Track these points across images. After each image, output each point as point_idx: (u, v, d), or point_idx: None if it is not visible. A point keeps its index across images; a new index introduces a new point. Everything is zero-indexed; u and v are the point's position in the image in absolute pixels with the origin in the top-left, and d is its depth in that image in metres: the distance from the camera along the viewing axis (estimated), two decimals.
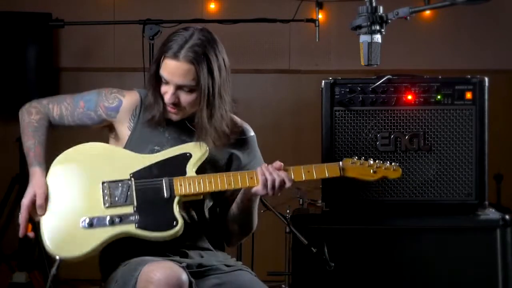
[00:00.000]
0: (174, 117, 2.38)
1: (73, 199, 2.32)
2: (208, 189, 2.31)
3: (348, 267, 2.88)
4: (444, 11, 4.66)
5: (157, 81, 2.35)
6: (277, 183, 2.29)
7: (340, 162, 2.35)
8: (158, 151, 2.37)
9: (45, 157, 2.38)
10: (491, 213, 2.95)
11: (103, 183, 2.32)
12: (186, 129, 2.42)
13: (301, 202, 3.41)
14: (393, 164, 2.37)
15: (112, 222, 2.27)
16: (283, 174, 2.30)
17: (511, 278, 2.88)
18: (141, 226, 2.27)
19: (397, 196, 2.93)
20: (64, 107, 2.45)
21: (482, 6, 2.26)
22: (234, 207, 2.47)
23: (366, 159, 2.36)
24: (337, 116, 2.96)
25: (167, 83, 2.33)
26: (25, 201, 2.29)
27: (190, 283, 2.17)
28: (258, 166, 2.46)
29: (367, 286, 2.91)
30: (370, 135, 2.95)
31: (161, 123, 2.39)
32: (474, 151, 2.93)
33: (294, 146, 4.92)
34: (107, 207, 2.29)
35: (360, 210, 2.93)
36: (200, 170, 2.38)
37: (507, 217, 2.90)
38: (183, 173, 2.32)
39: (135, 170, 2.33)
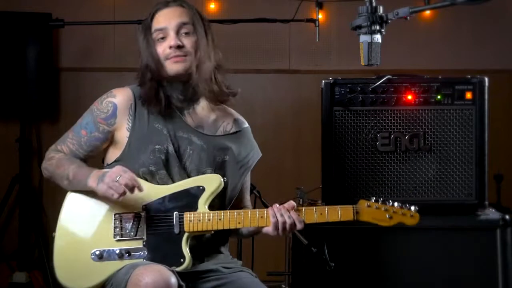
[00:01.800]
0: (181, 66, 2.37)
1: (85, 230, 2.33)
2: (217, 227, 2.31)
3: (348, 267, 2.88)
4: (444, 11, 4.66)
5: (153, 44, 2.39)
6: (288, 226, 2.29)
7: (355, 206, 2.32)
8: (159, 150, 2.36)
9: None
10: (491, 213, 2.95)
11: (115, 214, 2.33)
12: (183, 125, 2.41)
13: (301, 202, 3.40)
14: (411, 209, 2.31)
15: (121, 256, 2.29)
16: (294, 216, 2.29)
17: (511, 278, 2.88)
18: (148, 261, 2.28)
19: (397, 196, 2.93)
20: (70, 143, 2.45)
21: (482, 6, 2.26)
22: (243, 228, 2.46)
23: (383, 202, 2.31)
24: (337, 116, 2.96)
25: (163, 37, 2.37)
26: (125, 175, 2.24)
27: (180, 286, 2.16)
28: (256, 156, 2.51)
29: (367, 286, 2.91)
30: (370, 135, 2.95)
31: (159, 112, 2.38)
32: (474, 151, 2.93)
33: (294, 146, 4.92)
34: (117, 240, 2.31)
35: None
36: (197, 160, 2.38)
37: (507, 217, 2.90)
38: (195, 207, 2.32)
39: (147, 202, 2.33)
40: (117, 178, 2.22)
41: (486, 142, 2.93)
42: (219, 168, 2.43)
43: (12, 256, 4.63)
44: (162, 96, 2.38)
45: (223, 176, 2.42)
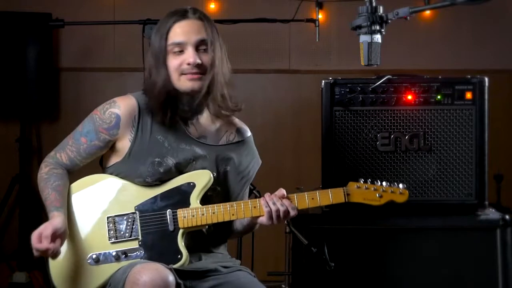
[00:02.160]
0: (197, 84, 2.34)
1: (79, 236, 2.33)
2: (212, 220, 2.31)
3: (348, 267, 2.88)
4: (444, 11, 4.66)
5: (166, 58, 2.35)
6: (281, 214, 2.29)
7: (345, 188, 2.34)
8: (158, 162, 2.35)
9: (63, 200, 2.34)
10: (491, 213, 2.95)
11: (108, 217, 2.33)
12: (186, 137, 2.40)
13: None
14: (400, 186, 2.34)
15: (118, 258, 2.29)
16: (286, 203, 2.30)
17: (511, 278, 2.88)
18: (146, 260, 2.28)
19: None
20: (69, 150, 2.42)
21: (482, 6, 2.26)
22: (238, 224, 2.47)
23: (372, 182, 2.34)
24: (337, 116, 2.96)
25: (181, 51, 2.33)
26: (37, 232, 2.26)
27: (178, 284, 2.16)
28: (256, 166, 2.51)
29: (367, 286, 2.91)
30: (370, 135, 2.95)
31: (165, 121, 2.37)
32: (474, 151, 2.93)
33: (294, 146, 4.92)
34: (113, 243, 2.30)
35: (360, 210, 2.93)
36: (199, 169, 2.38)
37: (507, 217, 2.89)
38: (187, 203, 2.32)
39: (139, 202, 2.33)
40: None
41: (486, 142, 2.93)
42: (221, 178, 2.43)
43: (12, 256, 4.63)
44: (168, 107, 2.36)
45: (225, 186, 2.43)
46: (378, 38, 2.16)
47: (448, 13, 4.76)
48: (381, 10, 2.16)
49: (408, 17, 2.10)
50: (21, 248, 4.60)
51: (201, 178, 2.35)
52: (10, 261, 4.58)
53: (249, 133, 2.54)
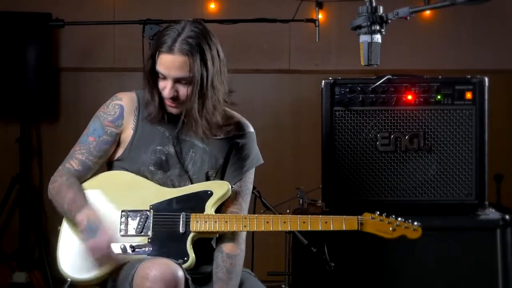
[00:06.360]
0: (174, 110, 2.39)
1: None
2: (223, 229, 2.33)
3: (348, 267, 2.88)
4: (444, 11, 4.66)
5: (153, 77, 2.37)
6: None
7: (359, 217, 2.35)
8: (160, 151, 2.40)
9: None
10: (491, 213, 2.96)
11: (122, 211, 2.35)
12: (184, 127, 2.42)
13: (301, 202, 3.40)
14: (414, 223, 2.36)
15: (125, 250, 2.29)
16: None
17: (511, 278, 2.88)
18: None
19: (397, 196, 2.94)
20: (79, 154, 2.43)
21: (482, 6, 2.26)
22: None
23: (387, 215, 2.35)
24: (337, 116, 2.96)
25: (164, 78, 2.35)
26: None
27: (186, 280, 2.17)
28: (255, 163, 2.51)
29: (367, 286, 2.91)
30: (370, 135, 2.95)
31: (160, 119, 2.41)
32: (474, 151, 2.93)
33: (294, 146, 4.92)
34: (123, 235, 2.33)
35: (360, 210, 2.93)
36: (199, 162, 2.41)
37: (507, 217, 2.90)
38: (202, 210, 2.34)
39: (155, 202, 2.36)
40: (96, 255, 2.25)
41: (486, 142, 2.94)
42: (220, 170, 2.44)
43: (12, 256, 4.63)
44: (153, 109, 2.39)
45: (220, 178, 2.44)
46: (378, 38, 2.16)
47: (448, 13, 4.76)
48: (381, 10, 2.16)
49: (408, 17, 2.10)
50: (21, 248, 4.61)
51: (219, 188, 2.38)
52: (10, 261, 4.58)
53: (251, 129, 2.53)
